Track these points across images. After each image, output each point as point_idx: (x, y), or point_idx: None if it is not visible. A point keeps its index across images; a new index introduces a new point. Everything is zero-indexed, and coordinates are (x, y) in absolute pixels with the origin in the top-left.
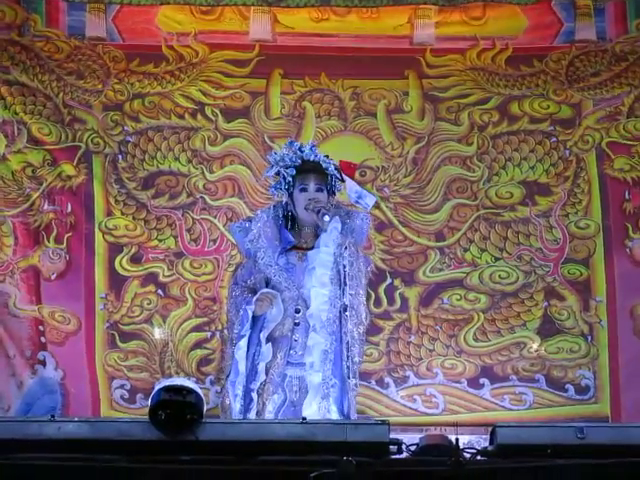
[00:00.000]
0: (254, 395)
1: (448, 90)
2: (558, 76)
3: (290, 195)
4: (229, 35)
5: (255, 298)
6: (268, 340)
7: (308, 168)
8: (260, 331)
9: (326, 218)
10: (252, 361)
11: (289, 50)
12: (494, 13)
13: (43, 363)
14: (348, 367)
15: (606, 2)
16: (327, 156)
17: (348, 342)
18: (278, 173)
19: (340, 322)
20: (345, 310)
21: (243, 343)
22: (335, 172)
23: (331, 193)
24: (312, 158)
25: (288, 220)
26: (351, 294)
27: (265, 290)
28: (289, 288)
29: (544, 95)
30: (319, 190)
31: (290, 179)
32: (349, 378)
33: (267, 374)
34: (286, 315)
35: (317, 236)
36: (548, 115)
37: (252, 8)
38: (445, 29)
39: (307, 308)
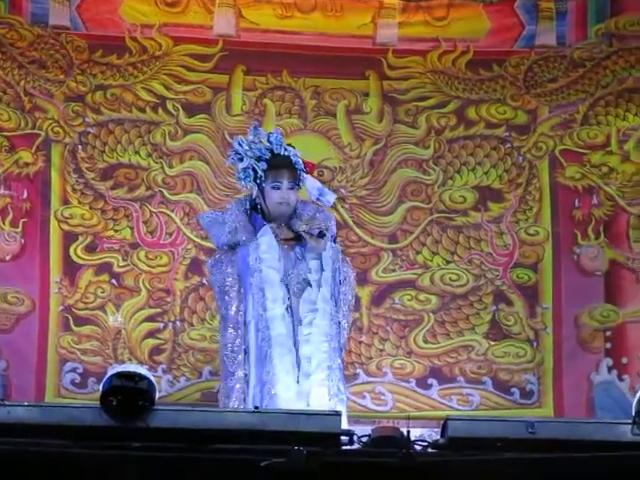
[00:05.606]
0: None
1: (408, 92)
2: (516, 81)
3: (260, 188)
4: (193, 29)
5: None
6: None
7: (279, 163)
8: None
9: (329, 244)
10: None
11: (252, 46)
12: (458, 14)
13: None
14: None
15: (569, 0)
16: (291, 145)
17: (343, 357)
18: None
19: (338, 338)
20: (338, 326)
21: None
22: (302, 165)
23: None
24: (282, 152)
25: (258, 212)
26: (344, 310)
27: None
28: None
29: (501, 100)
30: (291, 188)
31: (261, 173)
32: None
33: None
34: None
35: (289, 228)
36: (504, 121)
37: (217, 1)
38: (408, 29)
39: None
